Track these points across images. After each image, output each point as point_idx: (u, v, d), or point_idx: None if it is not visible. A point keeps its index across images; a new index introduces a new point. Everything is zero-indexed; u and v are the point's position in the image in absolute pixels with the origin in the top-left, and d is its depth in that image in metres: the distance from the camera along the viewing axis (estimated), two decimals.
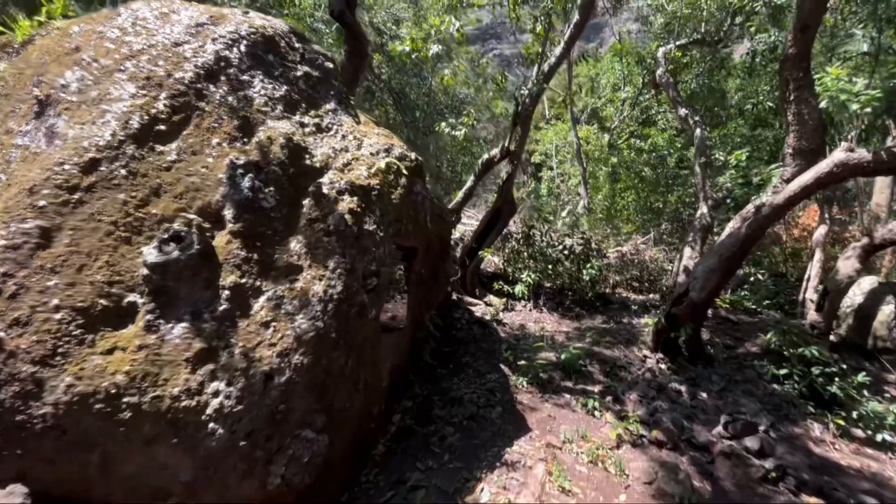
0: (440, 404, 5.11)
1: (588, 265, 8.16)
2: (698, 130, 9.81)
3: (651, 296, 9.30)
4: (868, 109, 4.38)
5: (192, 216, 2.79)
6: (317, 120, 3.87)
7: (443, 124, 8.87)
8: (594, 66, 25.20)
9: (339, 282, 3.09)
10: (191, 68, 3.29)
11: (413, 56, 9.10)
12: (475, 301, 8.79)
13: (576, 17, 7.48)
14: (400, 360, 4.90)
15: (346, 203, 3.36)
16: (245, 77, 3.52)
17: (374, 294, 3.40)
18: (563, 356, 5.84)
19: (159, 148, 3.01)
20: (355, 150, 3.90)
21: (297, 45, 4.12)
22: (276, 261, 3.00)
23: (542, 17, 8.29)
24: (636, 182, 15.03)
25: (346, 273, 3.15)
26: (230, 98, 3.36)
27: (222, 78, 3.40)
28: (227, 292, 2.74)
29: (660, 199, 13.24)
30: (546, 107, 23.41)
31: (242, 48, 3.58)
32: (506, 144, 8.33)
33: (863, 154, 4.46)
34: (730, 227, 5.99)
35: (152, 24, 3.44)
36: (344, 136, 3.97)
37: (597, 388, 5.56)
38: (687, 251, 8.80)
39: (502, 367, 6.15)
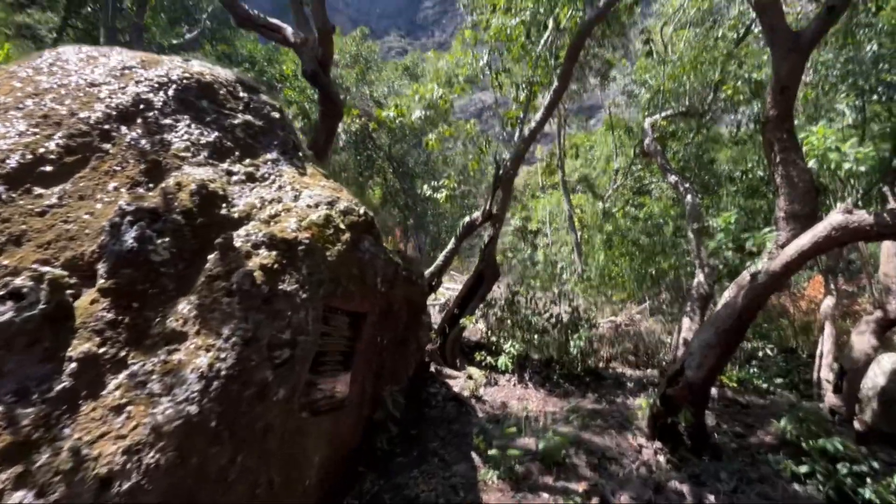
0: None
1: (575, 336, 7.47)
2: (689, 196, 9.56)
3: (649, 371, 8.45)
4: (862, 168, 4.00)
5: (48, 269, 2.30)
6: (251, 169, 3.52)
7: (424, 186, 8.69)
8: (588, 139, 26.13)
9: (232, 353, 2.50)
10: (101, 108, 2.99)
11: (398, 121, 9.17)
12: (455, 374, 8.00)
13: (555, 83, 7.52)
14: (341, 450, 4.13)
15: (260, 258, 2.88)
16: (167, 121, 3.21)
17: (284, 369, 2.78)
18: (542, 444, 5.00)
19: (38, 191, 2.60)
20: (290, 201, 3.50)
21: (241, 94, 3.90)
22: (154, 326, 2.45)
23: (524, 86, 8.39)
24: (632, 249, 14.68)
25: (244, 343, 2.57)
26: (143, 141, 3.02)
27: (138, 120, 3.09)
28: (73, 365, 2.16)
29: (655, 266, 12.76)
30: (540, 176, 23.86)
31: (170, 92, 3.32)
32: (487, 207, 8.04)
33: (863, 216, 4.01)
34: (725, 296, 5.41)
35: (73, 65, 3.21)
36: (281, 187, 3.59)
37: (581, 486, 4.66)
38: (686, 322, 8.14)
39: (474, 455, 5.29)
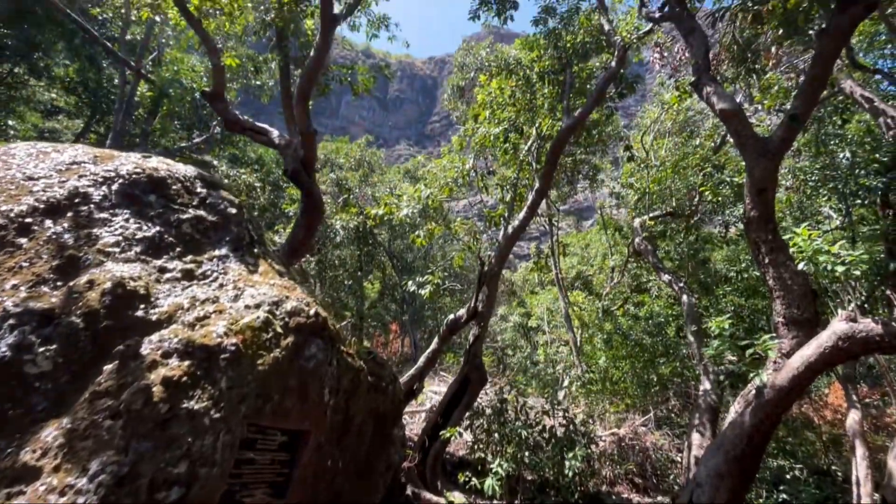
0: None
1: (570, 454, 6.56)
2: (685, 297, 9.22)
3: (659, 498, 7.30)
4: (857, 272, 3.70)
5: None
6: (190, 266, 3.25)
7: (409, 282, 8.45)
8: (583, 238, 26.68)
9: (95, 498, 1.97)
10: (29, 201, 2.83)
11: (387, 218, 9.28)
12: (434, 499, 6.93)
13: (537, 184, 7.66)
14: None
15: (166, 370, 2.46)
16: (102, 215, 3.04)
17: None
18: None
19: None
20: (229, 301, 3.17)
21: (198, 189, 3.81)
22: (2, 459, 1.96)
23: (509, 187, 8.58)
24: (635, 350, 13.94)
25: (116, 482, 2.05)
26: (67, 235, 2.81)
27: (69, 214, 2.91)
28: None
29: (660, 369, 11.93)
30: (535, 273, 23.89)
31: (114, 186, 3.21)
32: (472, 304, 7.67)
33: (870, 326, 3.60)
34: (732, 412, 4.76)
35: (18, 159, 3.14)
36: (222, 285, 3.29)
37: None
38: (695, 438, 7.24)
39: None
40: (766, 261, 4.83)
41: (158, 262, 3.11)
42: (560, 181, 14.73)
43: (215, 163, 16.80)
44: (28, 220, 2.75)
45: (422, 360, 7.76)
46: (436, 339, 7.92)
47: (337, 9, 6.93)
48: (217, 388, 2.64)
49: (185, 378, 2.50)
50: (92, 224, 2.95)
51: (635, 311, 16.49)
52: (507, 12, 8.74)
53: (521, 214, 7.78)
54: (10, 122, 12.97)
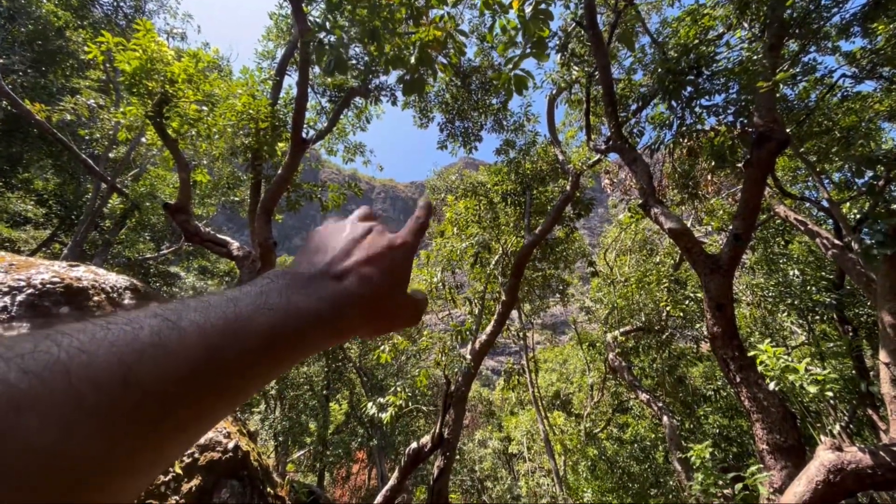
0: None
1: None
2: (665, 418, 8.67)
3: None
4: (830, 394, 3.50)
5: None
6: None
7: (369, 404, 7.72)
8: (561, 353, 26.15)
9: None
10: None
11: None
12: None
13: (503, 297, 7.58)
14: None
15: None
16: None
17: None
18: None
19: None
20: None
21: (126, 301, 3.50)
22: None
23: (476, 300, 8.47)
24: (623, 479, 12.65)
25: None
26: None
27: None
28: None
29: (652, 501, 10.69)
30: (512, 393, 22.78)
31: (19, 297, 2.89)
32: (437, 431, 6.93)
33: (857, 456, 3.28)
34: None
35: None
36: None
37: None
38: None
39: None
40: (738, 379, 4.61)
41: None
42: (532, 295, 14.88)
43: (182, 274, 16.44)
44: None
45: (378, 499, 6.69)
46: (395, 473, 6.94)
47: (312, 132, 7.44)
48: None
49: None
50: None
51: (619, 433, 15.46)
52: (472, 143, 9.64)
53: (489, 328, 7.54)
54: None
